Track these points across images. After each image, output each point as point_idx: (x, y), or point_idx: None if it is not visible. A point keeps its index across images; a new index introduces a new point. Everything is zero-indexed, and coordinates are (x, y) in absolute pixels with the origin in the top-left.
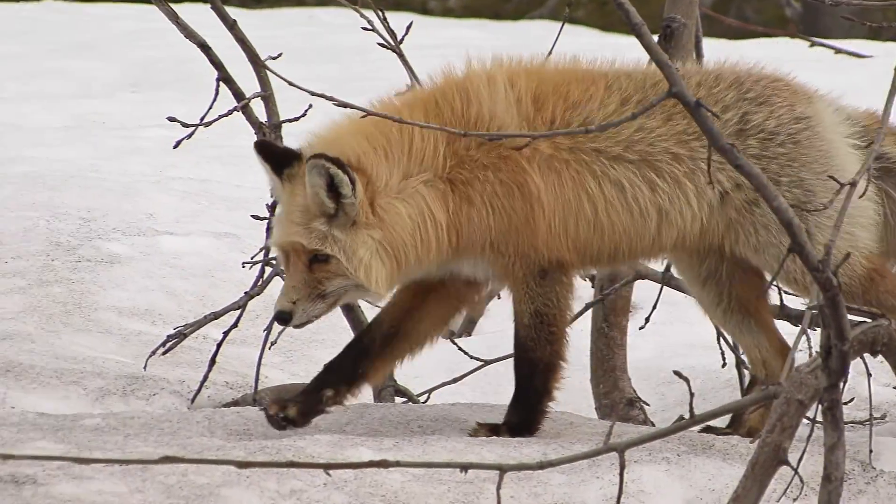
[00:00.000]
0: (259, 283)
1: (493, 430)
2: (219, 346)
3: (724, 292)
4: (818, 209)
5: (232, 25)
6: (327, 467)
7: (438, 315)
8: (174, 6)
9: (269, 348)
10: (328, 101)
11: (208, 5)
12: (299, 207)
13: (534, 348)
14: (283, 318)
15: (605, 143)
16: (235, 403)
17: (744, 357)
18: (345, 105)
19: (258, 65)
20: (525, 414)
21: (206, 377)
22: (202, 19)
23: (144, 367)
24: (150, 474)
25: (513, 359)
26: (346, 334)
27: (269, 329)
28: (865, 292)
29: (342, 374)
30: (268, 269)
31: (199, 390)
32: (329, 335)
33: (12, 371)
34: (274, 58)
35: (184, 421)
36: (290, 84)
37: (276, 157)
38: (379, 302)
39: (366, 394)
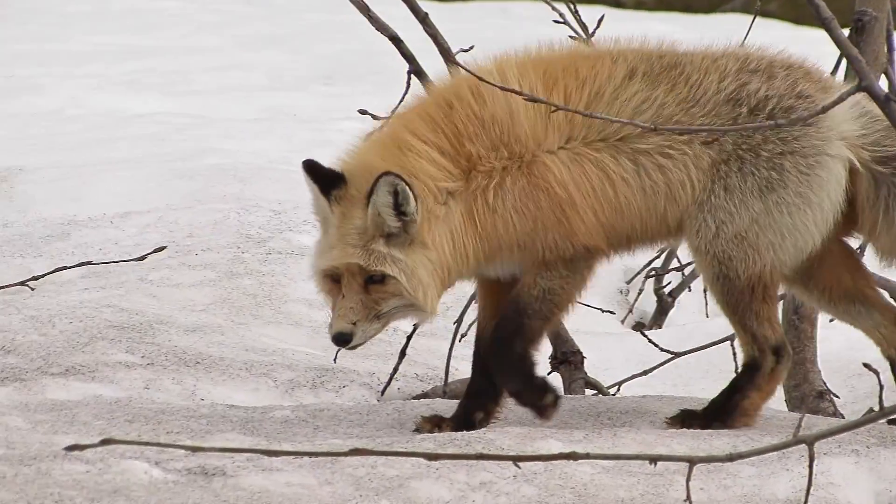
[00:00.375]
0: None
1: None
2: (409, 338)
3: (815, 285)
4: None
5: (423, 19)
6: (517, 459)
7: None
8: None
9: (460, 340)
10: (518, 97)
11: None
12: (356, 229)
13: (531, 316)
14: (344, 339)
15: (618, 116)
16: (425, 396)
17: None
18: (535, 100)
19: (449, 58)
20: (516, 382)
21: (395, 369)
22: (394, 12)
23: (334, 360)
24: (339, 466)
25: (495, 322)
26: None
27: (459, 321)
28: (742, 294)
29: (485, 395)
30: None
31: (388, 382)
32: None
33: (202, 363)
34: (465, 50)
35: (373, 413)
36: (480, 79)
37: (325, 178)
38: (425, 322)
39: (556, 386)
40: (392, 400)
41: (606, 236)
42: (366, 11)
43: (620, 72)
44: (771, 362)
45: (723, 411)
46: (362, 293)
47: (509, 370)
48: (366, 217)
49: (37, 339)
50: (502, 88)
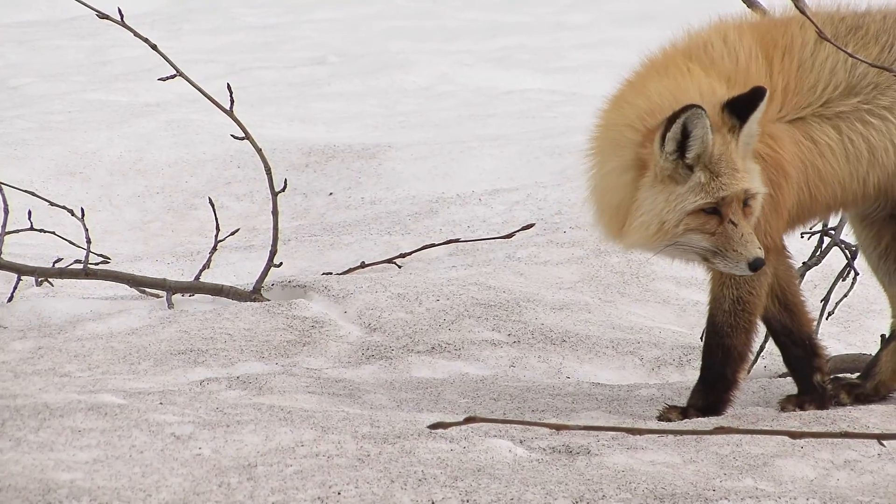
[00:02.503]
0: (818, 254)
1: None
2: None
3: (884, 235)
4: None
5: None
6: (881, 437)
7: (790, 270)
8: None
9: (827, 318)
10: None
11: None
12: (739, 154)
13: (731, 335)
14: (761, 263)
15: (817, 84)
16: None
17: None
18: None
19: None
20: (713, 400)
21: (762, 347)
22: None
23: (701, 337)
24: (703, 445)
25: (703, 344)
26: None
27: (826, 299)
28: None
29: (806, 358)
30: (826, 240)
31: (755, 360)
32: (886, 305)
33: (568, 341)
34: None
35: (739, 391)
36: (849, 54)
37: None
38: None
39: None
40: (757, 378)
41: (801, 214)
42: None
43: (810, 37)
44: None
45: None
46: (745, 218)
47: (715, 392)
48: (736, 139)
49: (403, 316)
50: (846, 52)
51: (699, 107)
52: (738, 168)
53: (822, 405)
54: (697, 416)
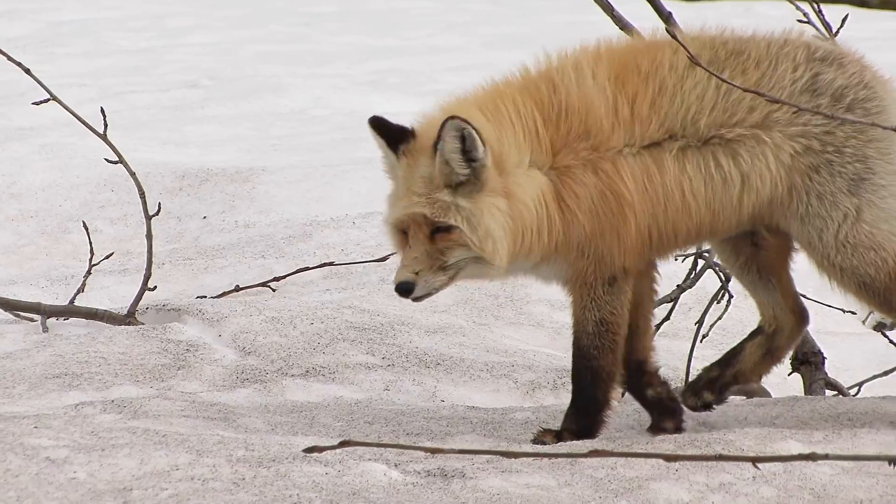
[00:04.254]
0: (692, 276)
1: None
2: None
3: (742, 249)
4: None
5: (667, 18)
6: (756, 460)
7: (647, 294)
8: None
9: (701, 341)
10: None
11: None
12: (423, 178)
13: (597, 356)
14: (406, 288)
15: (682, 109)
16: None
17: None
18: (776, 101)
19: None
20: (586, 423)
21: None
22: (638, 11)
23: None
24: (578, 468)
25: (571, 368)
26: None
27: (700, 322)
28: (887, 289)
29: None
30: (700, 262)
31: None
32: None
33: (443, 364)
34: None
35: (614, 414)
36: (720, 78)
37: (392, 133)
38: (495, 279)
39: (796, 387)
40: (632, 401)
41: (659, 242)
42: (609, 11)
43: (681, 61)
44: None
45: None
46: (427, 244)
47: (588, 415)
48: (433, 166)
49: (277, 340)
50: (713, 74)
51: (375, 122)
52: (419, 193)
53: (674, 418)
54: (572, 439)
